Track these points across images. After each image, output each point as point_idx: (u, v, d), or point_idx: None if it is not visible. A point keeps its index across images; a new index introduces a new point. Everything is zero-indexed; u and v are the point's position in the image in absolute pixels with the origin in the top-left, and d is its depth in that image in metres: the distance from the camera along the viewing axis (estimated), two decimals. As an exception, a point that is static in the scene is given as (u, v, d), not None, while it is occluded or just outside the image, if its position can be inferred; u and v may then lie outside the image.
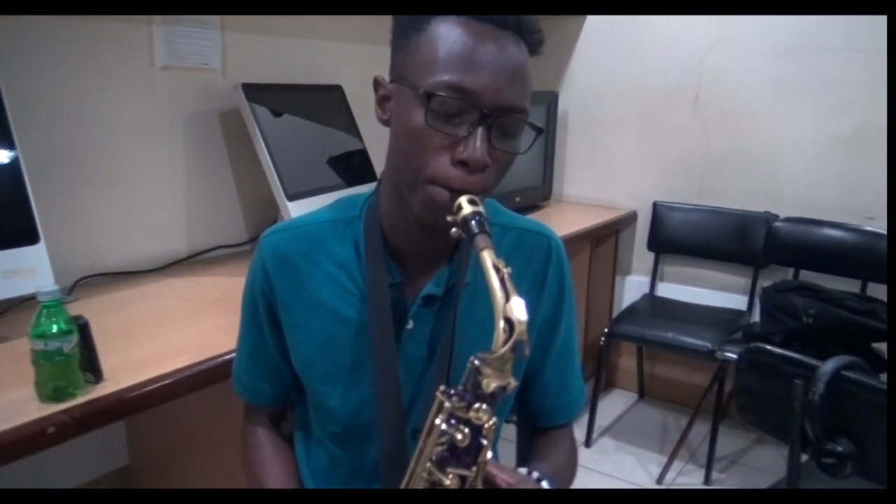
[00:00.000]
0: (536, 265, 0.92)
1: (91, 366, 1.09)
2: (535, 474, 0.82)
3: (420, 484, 0.72)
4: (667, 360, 2.81)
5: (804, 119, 2.39)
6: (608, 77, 2.78)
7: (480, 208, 0.72)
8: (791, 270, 2.42)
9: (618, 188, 2.83)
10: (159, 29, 1.69)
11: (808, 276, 2.37)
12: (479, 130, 0.74)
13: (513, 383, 0.67)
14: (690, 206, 2.65)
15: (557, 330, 0.95)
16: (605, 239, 2.76)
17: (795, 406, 1.11)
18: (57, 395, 1.04)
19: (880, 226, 2.26)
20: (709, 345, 2.20)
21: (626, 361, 2.92)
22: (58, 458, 1.63)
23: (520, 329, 0.64)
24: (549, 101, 2.74)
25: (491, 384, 0.66)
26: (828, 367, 1.08)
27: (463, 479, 0.70)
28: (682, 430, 2.42)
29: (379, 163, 1.68)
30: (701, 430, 2.44)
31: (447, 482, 0.69)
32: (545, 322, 0.94)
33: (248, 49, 1.90)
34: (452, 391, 0.69)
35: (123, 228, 1.70)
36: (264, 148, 1.74)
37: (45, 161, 1.51)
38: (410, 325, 0.86)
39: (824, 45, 2.32)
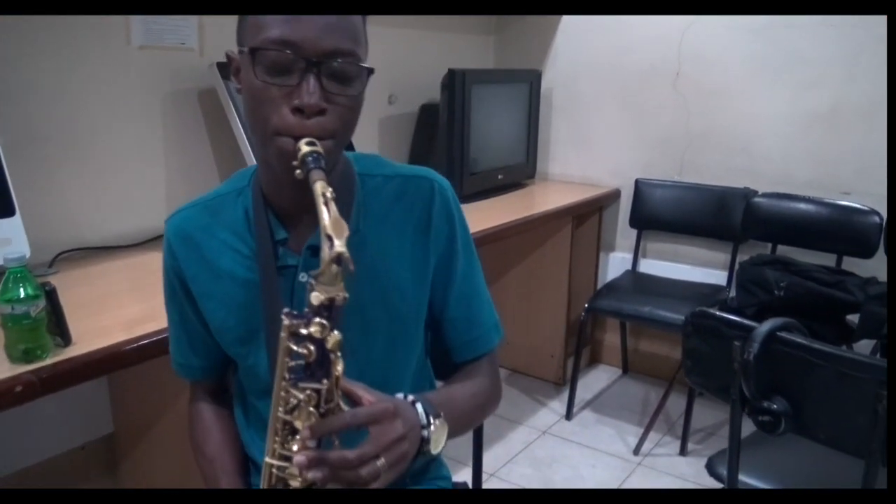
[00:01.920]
0: (421, 207, 0.95)
1: (60, 330, 1.15)
2: (410, 397, 0.85)
3: (282, 405, 0.78)
4: (650, 335, 2.85)
5: (780, 95, 2.41)
6: (591, 55, 2.80)
7: (318, 148, 0.78)
8: (769, 245, 2.45)
9: (601, 166, 2.86)
10: (135, 9, 1.73)
11: (785, 250, 2.40)
12: (310, 77, 0.78)
13: (342, 294, 0.73)
14: (671, 183, 2.68)
15: (454, 266, 0.99)
16: (589, 216, 2.79)
17: (735, 367, 1.15)
18: (26, 357, 1.09)
19: (855, 200, 2.29)
20: (683, 318, 2.23)
21: (611, 337, 2.97)
22: (45, 426, 1.70)
23: (339, 244, 0.70)
24: (532, 79, 2.77)
25: (320, 297, 0.72)
26: (763, 328, 1.12)
27: (318, 392, 0.75)
28: (657, 405, 2.47)
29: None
30: (681, 402, 2.48)
31: (302, 397, 0.75)
32: (441, 259, 0.97)
33: (226, 28, 1.93)
34: (295, 312, 0.75)
35: (102, 204, 1.75)
36: (239, 125, 1.79)
37: (22, 138, 1.56)
38: (304, 277, 0.90)
39: (798, 21, 2.33)
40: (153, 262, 1.67)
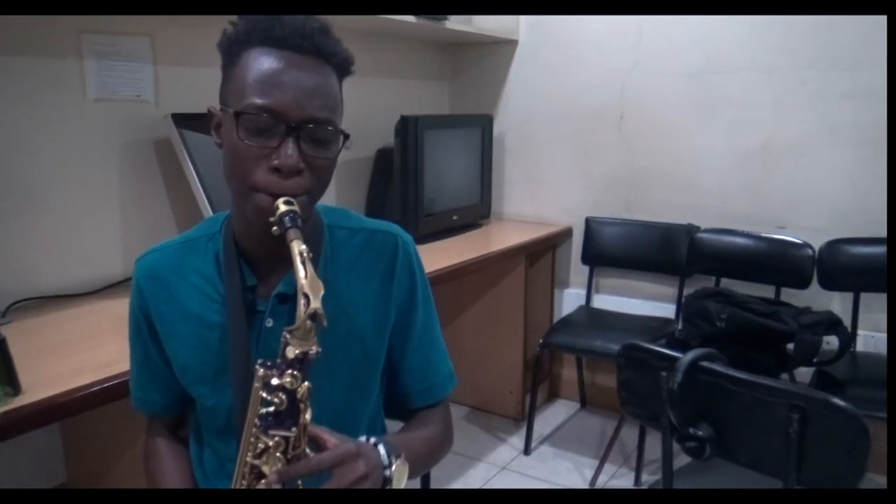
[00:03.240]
0: (385, 260, 1.02)
1: (9, 379, 1.17)
2: (373, 439, 0.89)
3: (251, 450, 0.82)
4: (606, 369, 2.92)
5: (716, 136, 2.55)
6: (540, 100, 2.92)
7: (295, 207, 0.85)
8: (714, 279, 2.55)
9: (553, 205, 2.96)
10: (90, 63, 1.79)
11: (729, 283, 2.50)
12: (289, 141, 0.86)
13: (315, 349, 0.79)
14: (619, 221, 2.79)
15: (414, 316, 1.05)
16: (543, 254, 2.88)
17: (663, 396, 1.22)
18: (-25, 406, 1.12)
19: (790, 234, 2.41)
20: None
21: (569, 372, 3.03)
22: (-5, 477, 1.70)
23: (315, 302, 0.77)
24: (484, 124, 2.87)
25: (294, 350, 0.79)
26: (685, 358, 1.19)
27: (286, 439, 0.81)
28: (611, 437, 2.53)
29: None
30: (636, 434, 2.54)
31: (271, 444, 0.80)
32: (401, 310, 1.04)
33: (181, 80, 2.00)
34: (269, 363, 0.81)
35: (57, 254, 1.78)
36: (194, 174, 1.84)
37: (-23, 191, 1.59)
38: (270, 323, 0.96)
39: (729, 67, 2.48)
40: (108, 310, 1.71)
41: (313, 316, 0.78)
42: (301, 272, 0.79)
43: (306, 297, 0.78)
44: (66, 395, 1.21)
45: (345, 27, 2.35)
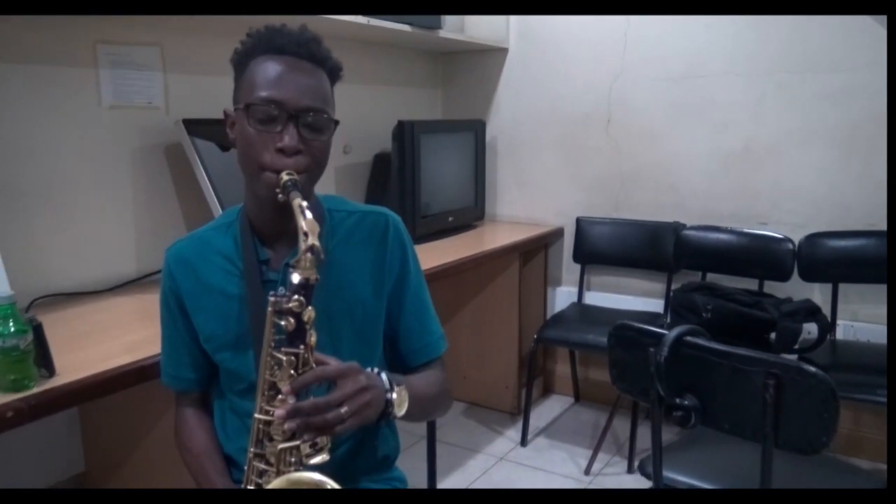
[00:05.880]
0: (378, 236, 1.18)
1: (45, 362, 1.26)
2: (376, 369, 1.04)
3: (267, 368, 0.97)
4: (599, 364, 3.02)
5: (699, 138, 2.67)
6: (530, 106, 3.04)
7: (296, 177, 1.01)
8: (700, 274, 2.66)
9: (544, 206, 3.07)
10: (105, 72, 1.88)
11: (714, 278, 2.61)
12: (290, 126, 1.03)
13: (314, 276, 0.95)
14: (609, 220, 2.90)
15: (407, 284, 1.20)
16: (535, 253, 2.98)
17: (651, 370, 1.32)
18: (15, 387, 1.20)
19: (771, 229, 2.53)
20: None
21: (562, 368, 3.13)
22: (17, 464, 1.77)
23: (312, 238, 0.93)
24: (477, 128, 2.98)
25: (297, 277, 0.94)
26: (671, 334, 1.29)
27: (296, 356, 0.95)
28: (604, 426, 2.63)
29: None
30: (629, 425, 2.64)
31: (284, 360, 0.95)
32: (396, 279, 1.19)
33: (189, 88, 2.10)
34: (278, 293, 0.96)
35: (76, 253, 1.86)
36: (205, 176, 1.93)
37: (1, 193, 1.68)
38: (282, 290, 1.06)
39: (710, 71, 2.61)
40: (124, 305, 1.80)
41: (311, 249, 0.94)
42: (301, 218, 0.95)
43: (305, 234, 0.94)
44: (95, 376, 1.29)
45: (342, 37, 2.47)
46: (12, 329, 1.18)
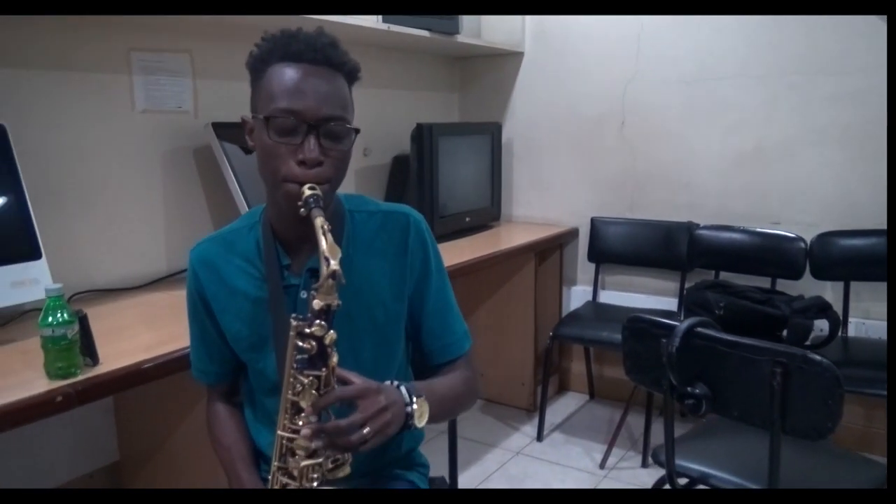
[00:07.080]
0: (399, 237, 1.18)
1: (89, 351, 1.34)
2: (396, 382, 1.05)
3: (290, 388, 0.99)
4: (614, 361, 3.07)
5: (712, 138, 2.72)
6: (545, 109, 3.10)
7: (318, 192, 1.00)
8: (713, 272, 2.71)
9: (559, 207, 3.13)
10: (138, 78, 1.97)
11: (727, 276, 2.65)
12: (311, 137, 1.02)
13: (336, 302, 0.95)
14: (623, 220, 2.95)
15: (429, 284, 1.21)
16: (551, 253, 3.04)
17: (663, 361, 1.38)
18: (62, 374, 1.28)
19: (783, 229, 2.57)
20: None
21: (577, 366, 3.18)
22: (52, 455, 1.86)
23: (334, 263, 0.94)
24: (494, 131, 3.05)
25: (320, 303, 0.95)
26: (682, 325, 1.35)
27: (318, 378, 0.97)
28: (619, 421, 2.68)
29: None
30: (643, 421, 2.69)
31: (306, 381, 0.97)
32: (417, 279, 1.19)
33: (217, 93, 2.18)
34: (300, 316, 0.97)
35: (110, 251, 1.95)
36: (233, 178, 2.01)
37: (43, 193, 1.77)
38: (304, 294, 1.13)
39: (722, 73, 2.66)
40: (157, 300, 1.89)
41: (333, 275, 0.94)
42: (322, 241, 0.95)
43: (327, 259, 0.94)
44: (137, 365, 1.37)
45: (362, 42, 2.54)
46: (61, 319, 1.26)
